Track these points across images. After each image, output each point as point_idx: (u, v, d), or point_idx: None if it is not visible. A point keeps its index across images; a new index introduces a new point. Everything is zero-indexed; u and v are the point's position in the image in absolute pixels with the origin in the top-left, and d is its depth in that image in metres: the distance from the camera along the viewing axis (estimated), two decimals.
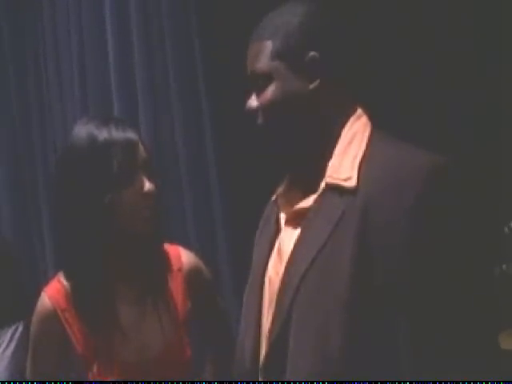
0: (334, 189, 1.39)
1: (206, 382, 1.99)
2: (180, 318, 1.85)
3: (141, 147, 1.76)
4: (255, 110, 1.46)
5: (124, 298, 1.81)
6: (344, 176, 1.38)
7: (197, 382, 1.93)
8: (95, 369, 1.78)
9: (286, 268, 1.41)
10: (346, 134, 1.44)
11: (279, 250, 1.48)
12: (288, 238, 1.46)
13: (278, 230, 1.52)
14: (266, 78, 1.44)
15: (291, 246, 1.43)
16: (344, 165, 1.40)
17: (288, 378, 1.36)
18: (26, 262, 2.98)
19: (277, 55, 1.44)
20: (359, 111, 1.47)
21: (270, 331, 1.41)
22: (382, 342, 1.30)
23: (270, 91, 1.43)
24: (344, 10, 1.53)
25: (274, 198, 1.59)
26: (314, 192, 1.43)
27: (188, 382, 1.85)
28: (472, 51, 2.23)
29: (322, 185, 1.41)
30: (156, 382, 1.78)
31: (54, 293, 1.81)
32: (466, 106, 2.26)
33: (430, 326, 1.28)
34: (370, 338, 1.30)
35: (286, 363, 1.37)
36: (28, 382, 1.84)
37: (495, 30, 2.20)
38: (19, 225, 3.10)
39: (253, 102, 1.47)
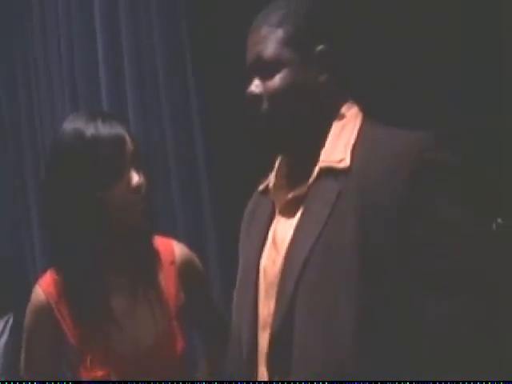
0: (328, 172, 1.40)
1: (205, 382, 2.00)
2: (173, 310, 1.85)
3: (128, 141, 1.76)
4: (259, 96, 1.46)
5: (116, 291, 1.81)
6: (337, 158, 1.40)
7: (196, 382, 1.94)
8: (88, 361, 1.78)
9: (286, 256, 1.41)
10: (338, 121, 1.46)
11: (274, 239, 1.48)
12: (283, 226, 1.46)
13: (270, 220, 1.52)
14: (275, 65, 1.44)
15: (288, 235, 1.43)
16: (337, 149, 1.42)
17: (296, 366, 1.36)
18: (14, 260, 2.98)
19: (288, 43, 1.44)
20: (350, 101, 1.49)
21: (273, 320, 1.40)
22: (393, 322, 1.30)
23: (279, 78, 1.43)
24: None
25: (260, 188, 1.59)
26: (307, 180, 1.44)
27: (188, 382, 1.86)
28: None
29: (316, 169, 1.42)
30: (156, 382, 1.78)
31: (47, 285, 1.81)
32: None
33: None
34: (381, 314, 1.30)
35: (292, 352, 1.36)
36: (28, 381, 1.84)
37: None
38: (8, 222, 3.09)
39: (256, 87, 1.46)
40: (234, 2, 2.31)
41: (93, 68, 2.69)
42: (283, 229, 1.46)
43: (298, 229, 1.42)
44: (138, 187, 1.74)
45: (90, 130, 1.73)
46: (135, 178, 1.74)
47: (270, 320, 1.42)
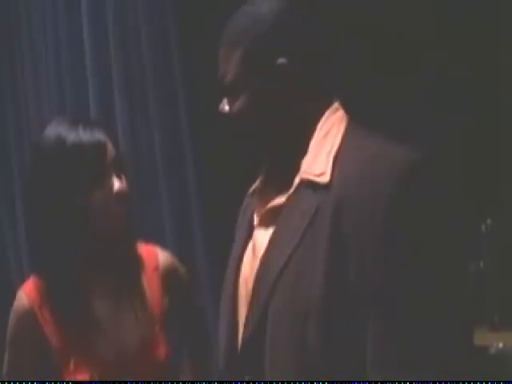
0: (308, 184, 1.37)
1: (205, 382, 1.99)
2: (156, 316, 1.85)
3: (110, 148, 1.76)
4: (227, 115, 1.45)
5: (99, 296, 1.82)
6: (318, 171, 1.37)
7: (196, 382, 1.95)
8: (72, 366, 1.77)
9: (261, 266, 1.40)
10: (321, 128, 1.42)
11: (254, 247, 1.47)
12: (262, 235, 1.45)
13: (252, 227, 1.51)
14: (236, 86, 1.42)
15: (265, 244, 1.41)
16: (318, 160, 1.38)
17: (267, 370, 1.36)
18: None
19: (245, 62, 1.41)
20: (335, 105, 1.45)
21: (245, 330, 1.40)
22: (357, 341, 1.28)
23: (240, 101, 1.41)
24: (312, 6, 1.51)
25: (250, 191, 1.58)
26: (288, 189, 1.42)
27: (188, 382, 1.89)
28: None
29: (297, 180, 1.40)
30: (156, 382, 1.79)
31: (30, 290, 1.81)
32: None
33: (401, 325, 1.26)
34: (346, 336, 1.29)
35: (262, 362, 1.36)
36: (28, 381, 1.83)
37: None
38: None
39: (224, 106, 1.45)
40: (221, 2, 2.31)
41: (80, 71, 2.68)
42: (262, 238, 1.44)
43: (273, 240, 1.40)
44: (120, 194, 1.74)
45: (71, 136, 1.74)
46: (117, 184, 1.74)
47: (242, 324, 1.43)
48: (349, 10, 2.31)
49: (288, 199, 1.40)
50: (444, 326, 1.27)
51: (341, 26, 2.24)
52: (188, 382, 1.86)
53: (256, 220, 1.49)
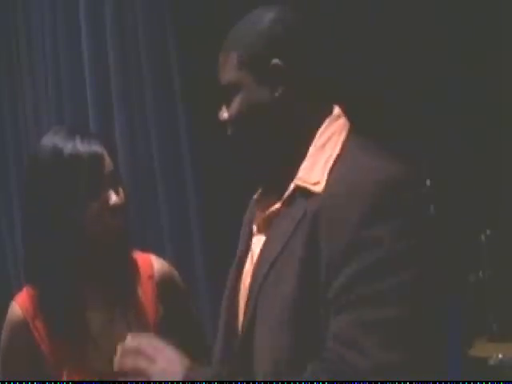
0: (302, 192, 1.39)
1: (205, 382, 1.97)
2: (151, 325, 1.84)
3: (107, 160, 1.76)
4: (225, 121, 1.47)
5: (93, 307, 1.80)
6: (314, 180, 1.38)
7: (197, 382, 1.90)
8: (65, 377, 1.76)
9: (253, 271, 1.43)
10: (321, 135, 1.42)
11: (252, 254, 1.49)
12: (258, 242, 1.47)
13: (251, 235, 1.53)
14: (234, 89, 1.44)
15: (258, 250, 1.45)
16: (315, 168, 1.39)
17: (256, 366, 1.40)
18: None
19: (241, 65, 1.43)
20: (336, 111, 1.46)
21: (241, 332, 1.43)
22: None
23: (236, 102, 1.44)
24: (309, 14, 1.52)
25: (253, 199, 1.59)
26: (283, 195, 1.44)
27: (187, 382, 1.83)
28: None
29: (292, 186, 1.41)
30: (156, 382, 1.75)
31: (23, 301, 1.80)
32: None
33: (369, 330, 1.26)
34: (316, 338, 1.31)
35: (252, 355, 1.40)
36: (28, 382, 1.80)
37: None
38: None
39: (223, 113, 1.48)
40: (219, 4, 2.32)
41: (78, 75, 2.68)
42: (258, 245, 1.46)
43: (264, 245, 1.43)
44: (115, 207, 1.73)
45: (68, 147, 1.73)
46: (112, 197, 1.73)
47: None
48: (347, 15, 2.31)
49: (282, 205, 1.42)
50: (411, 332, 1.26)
51: (339, 31, 2.24)
52: (188, 381, 1.83)
53: (254, 228, 1.51)
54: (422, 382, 1.26)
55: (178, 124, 2.48)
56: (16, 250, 2.96)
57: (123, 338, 1.77)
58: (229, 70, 1.44)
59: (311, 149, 1.42)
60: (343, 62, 2.14)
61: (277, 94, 1.41)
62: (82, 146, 1.73)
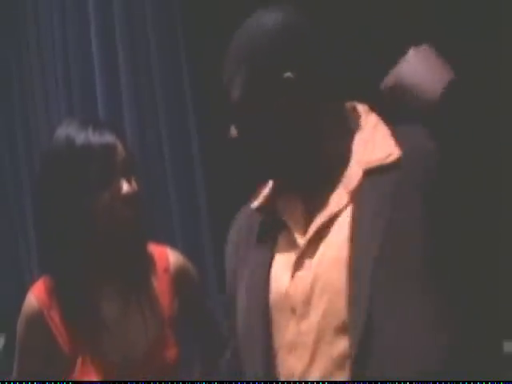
0: (374, 172, 1.37)
1: (205, 382, 1.99)
2: (166, 317, 1.85)
3: (120, 150, 1.77)
4: (237, 140, 1.44)
5: (108, 298, 1.82)
6: (382, 155, 1.38)
7: (196, 382, 1.94)
8: (80, 368, 1.78)
9: (352, 263, 1.33)
10: (366, 122, 1.43)
11: (299, 261, 1.40)
12: (314, 246, 1.40)
13: (274, 240, 1.46)
14: (244, 107, 1.41)
15: (332, 250, 1.37)
16: (376, 147, 1.40)
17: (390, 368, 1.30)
18: (10, 267, 2.95)
19: (253, 81, 1.40)
20: (360, 106, 1.47)
21: (353, 335, 1.31)
22: None
23: (249, 120, 1.41)
24: (316, 17, 1.50)
25: (255, 205, 1.52)
26: (324, 192, 1.41)
27: (188, 382, 1.87)
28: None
29: (358, 174, 1.38)
30: (156, 382, 1.79)
31: (39, 292, 1.82)
32: None
33: None
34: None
35: (381, 357, 1.29)
36: (28, 382, 1.83)
37: None
38: (2, 228, 3.05)
39: (233, 131, 1.44)
40: (227, 3, 2.32)
41: (88, 70, 2.67)
42: (321, 245, 1.39)
43: (355, 235, 1.35)
44: (127, 196, 1.74)
45: (80, 138, 1.75)
46: (124, 187, 1.75)
47: (304, 339, 1.37)
48: (355, 20, 2.30)
49: (351, 198, 1.38)
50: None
51: (348, 35, 2.23)
52: (188, 381, 1.86)
53: (301, 234, 1.42)
54: (423, 382, 1.26)
55: (188, 122, 2.48)
56: (29, 241, 2.97)
57: (138, 330, 1.81)
58: (238, 88, 1.40)
59: (359, 135, 1.42)
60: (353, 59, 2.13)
61: (294, 106, 1.39)
62: (93, 136, 1.75)
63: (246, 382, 1.46)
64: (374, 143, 1.40)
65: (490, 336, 1.33)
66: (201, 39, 2.45)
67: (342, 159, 1.41)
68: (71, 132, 1.77)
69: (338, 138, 1.43)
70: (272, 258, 1.45)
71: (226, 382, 1.56)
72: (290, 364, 1.39)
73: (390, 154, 1.37)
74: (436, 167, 1.33)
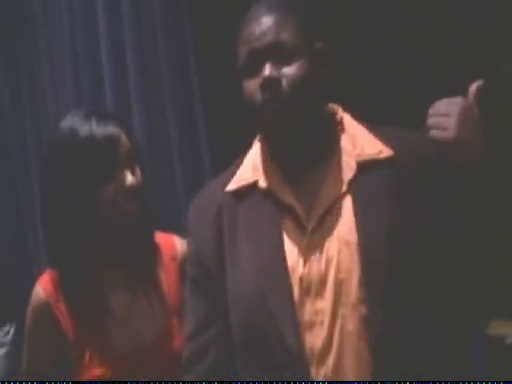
0: (369, 164, 1.49)
1: (205, 382, 2.00)
2: (173, 306, 1.86)
3: (123, 141, 1.79)
4: (278, 80, 1.49)
5: (114, 288, 1.84)
6: (374, 150, 1.50)
7: (197, 381, 1.94)
8: (87, 358, 1.80)
9: (360, 249, 1.45)
10: (347, 118, 1.56)
11: (309, 246, 1.49)
12: (323, 227, 1.49)
13: (278, 223, 1.53)
14: (292, 52, 1.49)
15: (338, 233, 1.48)
16: (367, 141, 1.52)
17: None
18: (18, 259, 2.98)
19: (302, 33, 1.50)
20: (337, 107, 1.61)
21: (373, 316, 1.43)
22: None
23: (298, 65, 1.49)
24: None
25: (236, 187, 1.59)
26: (321, 180, 1.50)
27: (188, 382, 1.87)
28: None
29: (353, 165, 1.49)
30: (156, 382, 1.80)
31: (46, 283, 1.85)
32: None
33: None
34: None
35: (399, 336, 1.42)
36: (28, 382, 1.87)
37: None
38: (11, 220, 3.10)
39: (273, 71, 1.49)
40: (236, 2, 2.33)
41: (96, 59, 2.68)
42: (330, 226, 1.49)
43: (362, 223, 1.46)
44: (130, 188, 1.76)
45: (84, 129, 1.77)
46: (128, 178, 1.76)
47: (320, 318, 1.47)
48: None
49: (349, 185, 1.49)
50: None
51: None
52: (188, 381, 1.87)
53: (302, 215, 1.51)
54: (423, 381, 1.35)
55: (195, 110, 2.48)
56: (37, 232, 3.00)
57: (145, 319, 1.82)
58: (290, 32, 1.49)
59: (347, 131, 1.54)
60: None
61: (324, 72, 1.51)
62: (97, 128, 1.77)
63: (245, 381, 1.51)
64: (361, 140, 1.52)
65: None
66: (209, 39, 2.46)
67: (333, 150, 1.52)
68: (75, 123, 1.79)
69: (330, 128, 1.54)
70: (282, 240, 1.51)
71: (226, 382, 1.58)
72: (309, 341, 1.46)
73: (381, 151, 1.49)
74: (429, 164, 1.45)
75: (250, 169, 1.58)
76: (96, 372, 1.79)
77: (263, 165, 1.56)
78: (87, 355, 1.80)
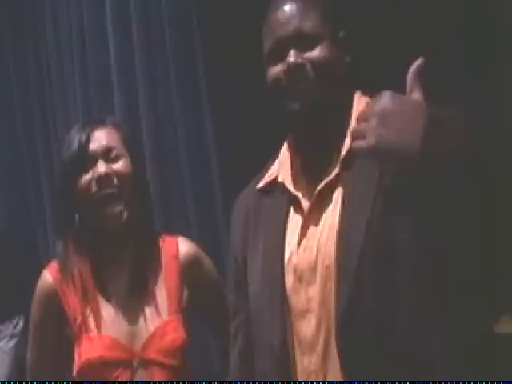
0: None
1: (205, 381, 2.03)
2: (173, 304, 1.90)
3: (101, 136, 1.89)
4: (302, 65, 1.52)
5: (115, 280, 1.90)
6: None
7: (197, 381, 1.96)
8: (86, 344, 1.84)
9: (341, 236, 1.44)
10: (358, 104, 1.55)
11: (303, 231, 1.52)
12: (319, 213, 1.50)
13: (286, 214, 1.56)
14: (316, 39, 1.53)
15: (330, 219, 1.48)
16: None
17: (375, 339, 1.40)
18: (27, 252, 3.00)
19: (325, 22, 1.54)
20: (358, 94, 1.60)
21: (339, 300, 1.42)
22: None
23: (321, 50, 1.52)
24: None
25: (261, 185, 1.62)
26: (329, 166, 1.51)
27: (188, 382, 1.89)
28: None
29: (344, 151, 1.49)
30: (156, 381, 1.83)
31: (53, 270, 1.93)
32: None
33: None
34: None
35: (365, 325, 1.40)
36: (28, 382, 1.91)
37: None
38: (20, 215, 3.11)
39: (297, 57, 1.52)
40: (244, 2, 2.34)
41: (104, 58, 2.69)
42: (323, 214, 1.50)
43: (347, 209, 1.46)
44: (101, 175, 1.85)
45: (75, 141, 1.91)
46: (100, 167, 1.86)
47: (310, 305, 1.48)
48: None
49: (341, 170, 1.49)
50: None
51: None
52: (188, 381, 1.89)
53: (303, 203, 1.54)
54: (423, 381, 1.33)
55: (203, 110, 2.49)
56: (45, 225, 3.02)
57: (145, 314, 1.87)
58: (314, 20, 1.53)
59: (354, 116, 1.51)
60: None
61: (347, 60, 1.54)
62: (84, 142, 1.89)
63: (245, 381, 1.53)
64: None
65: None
66: (218, 39, 2.47)
67: (339, 138, 1.52)
68: (70, 133, 1.95)
69: (343, 120, 1.53)
70: (285, 228, 1.54)
71: (226, 382, 1.61)
72: (302, 329, 1.48)
73: None
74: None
75: (277, 164, 1.61)
76: (92, 356, 1.82)
77: (288, 159, 1.60)
78: (86, 340, 1.84)
